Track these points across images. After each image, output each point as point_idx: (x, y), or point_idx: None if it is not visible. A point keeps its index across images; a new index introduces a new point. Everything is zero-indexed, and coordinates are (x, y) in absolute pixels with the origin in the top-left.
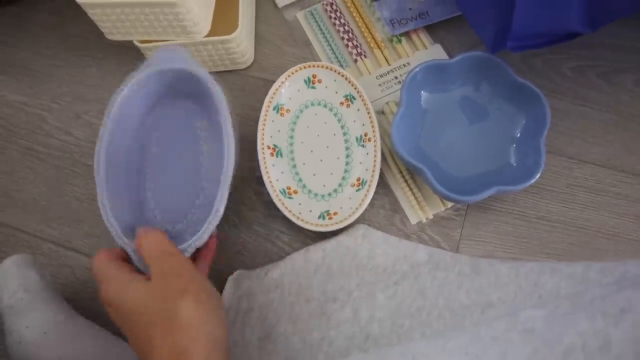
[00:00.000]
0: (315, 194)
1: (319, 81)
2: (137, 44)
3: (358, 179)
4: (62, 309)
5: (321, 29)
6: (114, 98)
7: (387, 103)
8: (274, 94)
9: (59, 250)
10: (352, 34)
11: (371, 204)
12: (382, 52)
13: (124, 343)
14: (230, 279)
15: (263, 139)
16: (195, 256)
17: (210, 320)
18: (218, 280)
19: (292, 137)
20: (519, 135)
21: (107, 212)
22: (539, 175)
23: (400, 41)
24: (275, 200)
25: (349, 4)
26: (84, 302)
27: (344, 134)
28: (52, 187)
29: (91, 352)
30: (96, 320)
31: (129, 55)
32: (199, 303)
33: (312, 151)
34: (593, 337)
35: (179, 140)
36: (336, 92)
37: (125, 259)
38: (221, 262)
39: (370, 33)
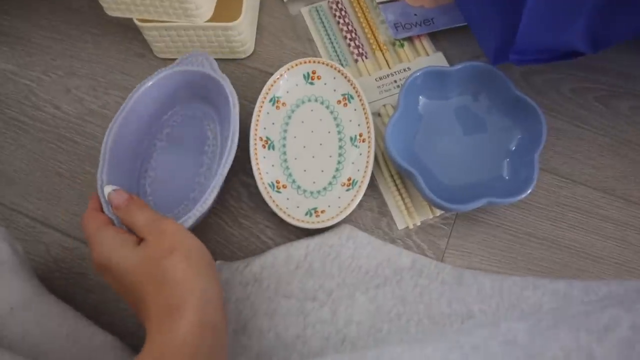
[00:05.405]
0: (304, 190)
1: (319, 77)
2: (136, 22)
3: (349, 179)
4: (32, 286)
5: (324, 26)
6: (138, 87)
7: (384, 105)
8: (272, 85)
9: (36, 226)
10: (355, 34)
11: (359, 205)
12: (383, 54)
13: (94, 327)
14: None
15: (257, 130)
16: None
17: (202, 277)
18: None
19: (285, 130)
20: (513, 149)
21: (103, 186)
22: (530, 190)
23: (402, 45)
24: (263, 193)
25: (354, 4)
26: (57, 282)
27: (339, 132)
28: (33, 160)
29: (59, 333)
30: (68, 301)
31: (127, 33)
32: (189, 260)
33: (304, 147)
34: (576, 352)
35: (188, 138)
36: (334, 90)
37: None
38: None
39: (374, 35)
